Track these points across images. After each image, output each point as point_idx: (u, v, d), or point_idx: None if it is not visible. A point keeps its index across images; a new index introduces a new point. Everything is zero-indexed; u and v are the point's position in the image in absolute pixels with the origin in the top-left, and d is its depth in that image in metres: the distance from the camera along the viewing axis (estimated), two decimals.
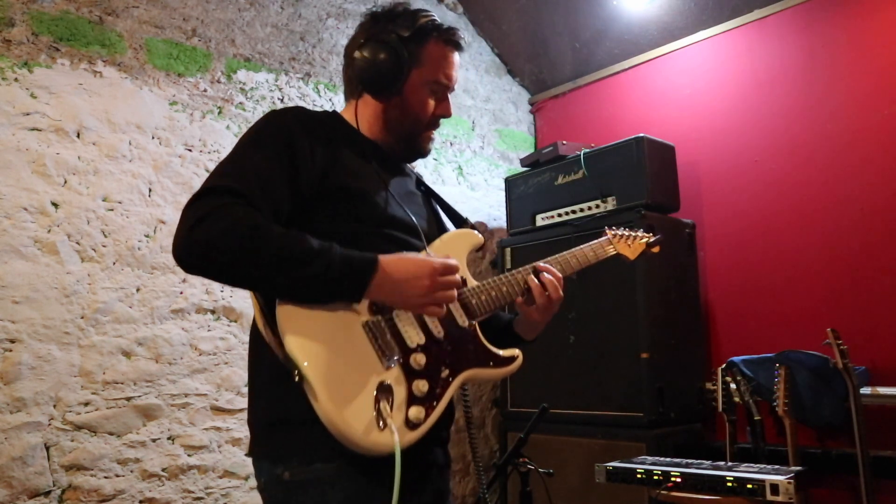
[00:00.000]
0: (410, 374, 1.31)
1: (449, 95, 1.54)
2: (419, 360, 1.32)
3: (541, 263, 1.56)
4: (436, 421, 1.32)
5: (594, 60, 3.83)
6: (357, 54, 1.47)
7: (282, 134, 1.36)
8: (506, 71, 4.12)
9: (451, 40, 1.50)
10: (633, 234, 1.86)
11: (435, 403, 1.32)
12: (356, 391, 1.24)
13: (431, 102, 1.50)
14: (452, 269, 1.35)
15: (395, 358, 1.30)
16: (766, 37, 3.19)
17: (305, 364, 1.21)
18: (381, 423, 1.23)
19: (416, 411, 1.28)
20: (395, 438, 1.21)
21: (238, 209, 1.22)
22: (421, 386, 1.30)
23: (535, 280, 1.52)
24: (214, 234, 1.19)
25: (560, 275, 1.57)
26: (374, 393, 1.25)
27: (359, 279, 1.26)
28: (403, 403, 1.28)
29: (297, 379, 1.21)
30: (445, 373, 1.36)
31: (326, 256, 1.23)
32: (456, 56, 1.52)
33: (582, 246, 1.70)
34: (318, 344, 1.24)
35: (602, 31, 3.68)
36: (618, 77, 3.78)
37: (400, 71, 1.44)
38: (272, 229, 1.23)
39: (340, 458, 1.24)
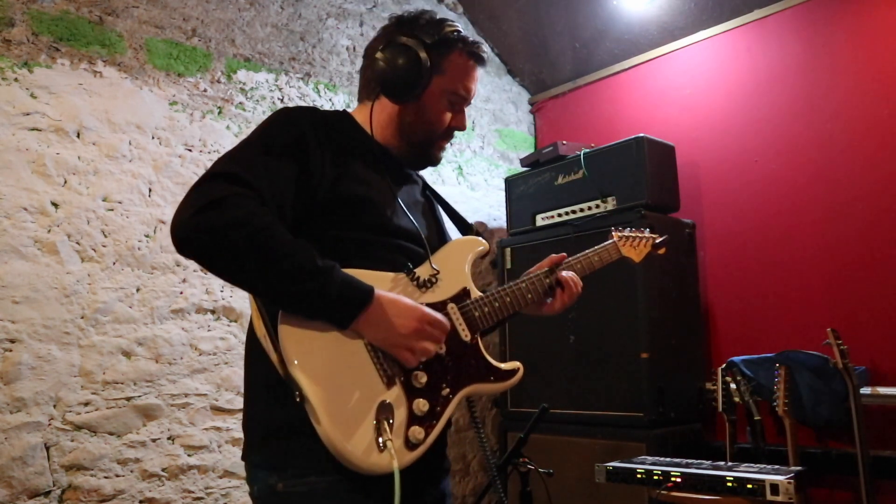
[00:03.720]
0: (411, 392, 1.30)
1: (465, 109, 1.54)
2: (420, 378, 1.32)
3: (562, 273, 1.62)
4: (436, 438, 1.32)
5: (594, 60, 3.83)
6: (379, 55, 1.44)
7: (293, 135, 1.34)
8: (506, 71, 4.12)
9: (474, 53, 1.49)
10: (640, 235, 1.87)
11: (435, 422, 1.32)
12: (357, 411, 1.23)
13: (448, 113, 1.49)
14: (442, 326, 1.33)
15: (397, 376, 1.30)
16: (766, 37, 3.19)
17: (307, 386, 1.20)
18: (380, 444, 1.22)
19: (415, 431, 1.28)
20: (394, 464, 1.20)
21: (251, 203, 1.21)
22: (421, 405, 1.30)
23: (553, 283, 1.59)
24: (224, 223, 1.17)
25: (577, 277, 1.63)
26: (375, 413, 1.25)
27: (352, 307, 1.25)
28: (404, 423, 1.27)
29: (298, 399, 1.20)
30: (446, 391, 1.35)
31: (327, 277, 1.22)
32: (477, 70, 1.51)
33: (587, 251, 1.71)
34: (320, 364, 1.23)
35: (602, 31, 3.68)
36: (618, 77, 3.78)
37: (421, 77, 1.42)
38: (282, 233, 1.21)
39: (335, 472, 1.23)
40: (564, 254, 1.62)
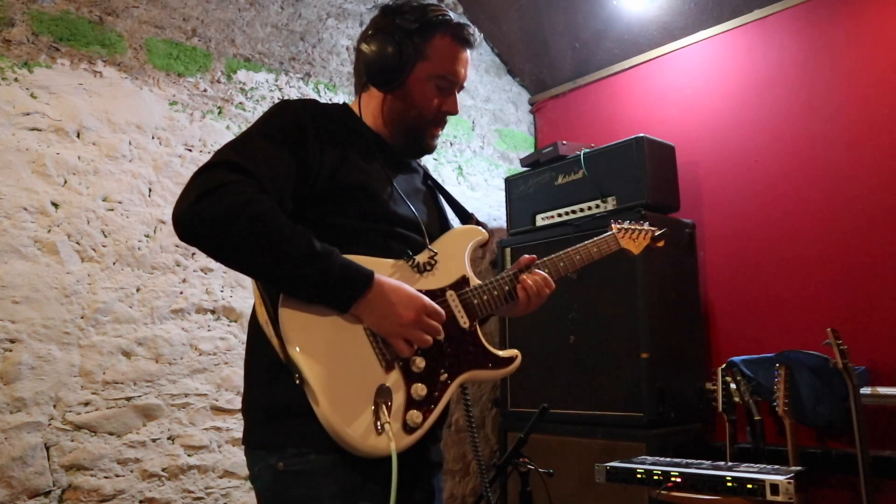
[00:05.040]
0: (410, 377, 1.31)
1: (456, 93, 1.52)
2: (419, 363, 1.33)
3: (525, 275, 1.54)
4: (433, 423, 1.33)
5: (594, 60, 3.82)
6: (364, 46, 1.46)
7: (292, 125, 1.36)
8: (506, 71, 4.12)
9: (459, 36, 1.48)
10: (639, 227, 1.87)
11: (433, 407, 1.33)
12: (356, 395, 1.25)
13: (436, 98, 1.49)
14: (439, 316, 1.34)
15: (395, 361, 1.31)
16: (766, 37, 3.19)
17: (307, 369, 1.21)
18: (378, 427, 1.24)
19: (413, 415, 1.29)
20: (391, 446, 1.21)
21: (250, 189, 1.22)
22: (419, 390, 1.31)
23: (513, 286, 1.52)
24: (222, 209, 1.18)
25: (545, 275, 1.56)
26: (373, 397, 1.26)
27: (352, 290, 1.26)
28: (402, 407, 1.29)
29: (297, 382, 1.21)
30: (444, 376, 1.36)
31: (326, 261, 1.23)
32: (465, 53, 1.50)
33: (586, 242, 1.71)
34: (320, 348, 1.24)
35: (602, 31, 3.68)
36: (618, 77, 3.78)
37: (403, 63, 1.43)
38: (280, 219, 1.23)
39: (335, 451, 1.24)
40: (534, 256, 1.59)
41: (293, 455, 1.27)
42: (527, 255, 1.59)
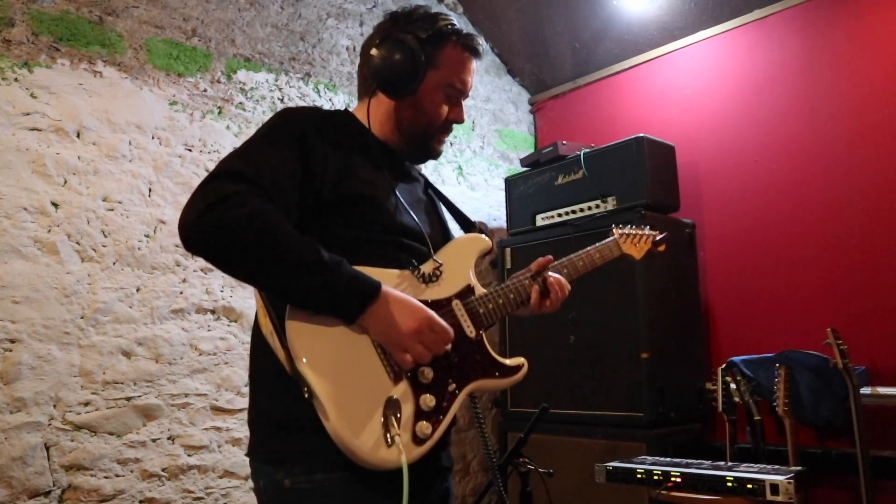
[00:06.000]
0: (418, 388, 1.31)
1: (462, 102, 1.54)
2: (427, 374, 1.33)
3: (550, 274, 1.57)
4: (442, 434, 1.33)
5: (594, 60, 3.83)
6: (374, 52, 1.46)
7: (296, 134, 1.35)
8: (506, 71, 4.12)
9: (469, 46, 1.49)
10: (640, 232, 1.88)
11: (441, 417, 1.33)
12: (365, 407, 1.24)
13: (445, 106, 1.50)
14: (445, 337, 1.33)
15: (403, 372, 1.31)
16: (766, 37, 3.19)
17: (315, 383, 1.21)
18: (388, 439, 1.23)
19: (423, 426, 1.29)
20: (402, 458, 1.21)
21: (257, 199, 1.22)
22: (428, 400, 1.31)
23: (542, 286, 1.54)
24: (230, 220, 1.18)
25: (563, 280, 1.59)
26: (382, 409, 1.26)
27: (360, 300, 1.26)
28: (411, 418, 1.28)
29: (306, 395, 1.21)
30: (452, 386, 1.36)
31: (335, 271, 1.23)
32: (473, 63, 1.52)
33: (589, 248, 1.72)
34: (328, 360, 1.24)
35: (602, 31, 3.68)
36: (618, 77, 3.78)
37: (416, 71, 1.43)
38: (288, 229, 1.23)
39: (342, 469, 1.24)
40: (551, 257, 1.60)
41: (300, 472, 1.27)
42: (542, 258, 1.58)
